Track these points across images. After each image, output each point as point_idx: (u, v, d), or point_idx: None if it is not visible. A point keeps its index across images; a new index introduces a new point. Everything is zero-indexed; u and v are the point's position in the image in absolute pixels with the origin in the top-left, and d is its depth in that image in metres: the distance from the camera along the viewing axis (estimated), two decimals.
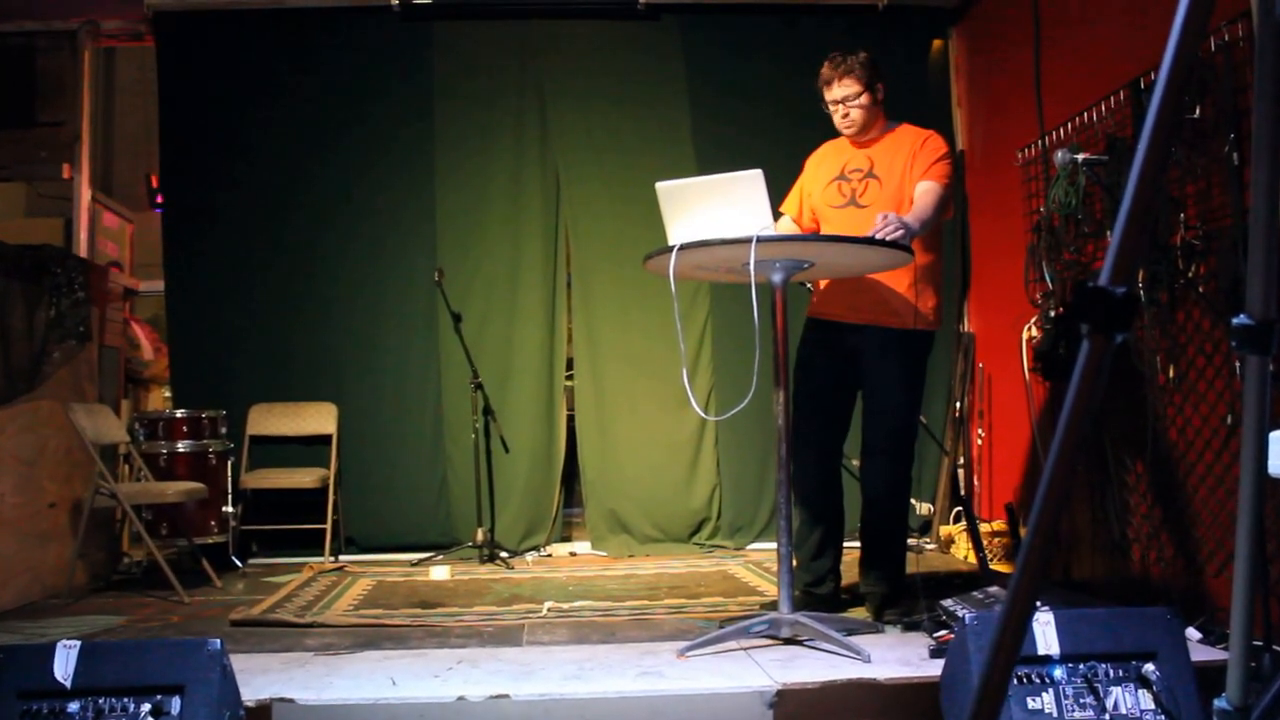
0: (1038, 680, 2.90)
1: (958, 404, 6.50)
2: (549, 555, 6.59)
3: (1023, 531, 5.31)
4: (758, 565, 5.91)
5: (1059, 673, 2.91)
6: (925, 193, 4.03)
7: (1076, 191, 4.48)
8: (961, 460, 6.56)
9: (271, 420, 6.41)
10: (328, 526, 6.20)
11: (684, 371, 4.02)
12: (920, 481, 6.43)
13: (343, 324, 6.55)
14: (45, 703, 2.65)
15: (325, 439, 6.38)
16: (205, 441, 5.83)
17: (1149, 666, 2.90)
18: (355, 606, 4.83)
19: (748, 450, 6.60)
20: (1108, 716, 2.85)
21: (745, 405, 3.78)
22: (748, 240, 3.46)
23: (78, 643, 2.70)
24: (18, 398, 4.98)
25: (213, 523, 5.71)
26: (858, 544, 4.45)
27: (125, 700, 2.67)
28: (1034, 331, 5.17)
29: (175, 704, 2.68)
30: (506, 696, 3.19)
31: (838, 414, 4.34)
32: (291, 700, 3.12)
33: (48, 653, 2.69)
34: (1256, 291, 1.39)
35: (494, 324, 6.62)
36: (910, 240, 3.75)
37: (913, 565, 4.71)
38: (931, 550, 6.44)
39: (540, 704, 3.20)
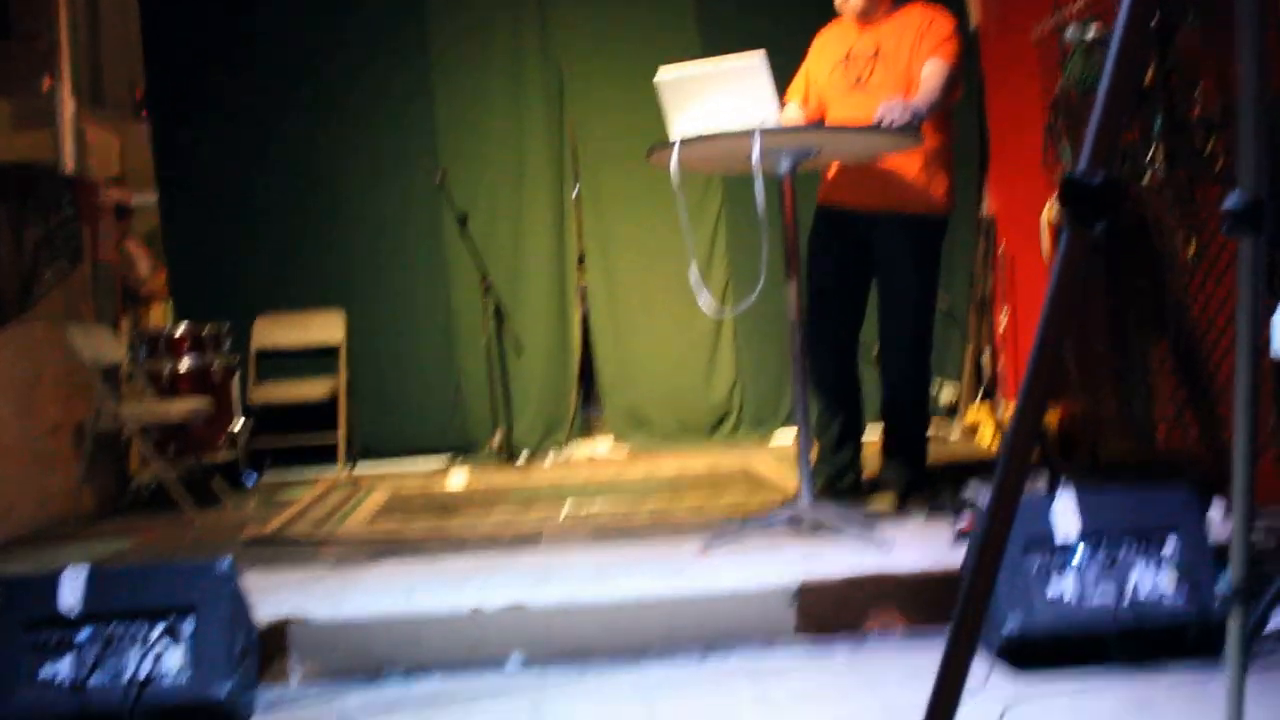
0: (1059, 565, 2.91)
1: (980, 287, 6.46)
2: (568, 455, 6.63)
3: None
4: (781, 459, 5.92)
5: (1078, 557, 2.91)
6: (932, 74, 3.95)
7: (1092, 67, 4.39)
8: (986, 346, 6.54)
9: (277, 331, 6.39)
10: (340, 438, 6.23)
11: (692, 267, 3.95)
12: (943, 367, 6.42)
13: (345, 229, 6.50)
14: (54, 632, 2.69)
15: (333, 349, 6.38)
16: (209, 357, 5.82)
17: (1168, 547, 2.90)
18: (371, 519, 4.87)
19: (768, 342, 6.57)
20: (1127, 599, 2.86)
21: (762, 296, 3.75)
22: (750, 133, 3.43)
23: (84, 569, 2.73)
24: (10, 322, 4.97)
25: (221, 440, 5.74)
26: (880, 433, 4.45)
27: (136, 625, 2.70)
28: (1054, 211, 5.11)
29: (187, 626, 2.71)
30: (523, 607, 3.22)
31: (852, 304, 4.31)
32: (306, 619, 3.16)
33: (53, 581, 2.73)
34: (1247, 168, 1.35)
35: (501, 225, 6.57)
36: (919, 123, 3.69)
37: (935, 452, 4.72)
38: (955, 436, 6.45)
39: (560, 610, 3.24)
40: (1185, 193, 4.02)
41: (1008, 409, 6.05)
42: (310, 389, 6.18)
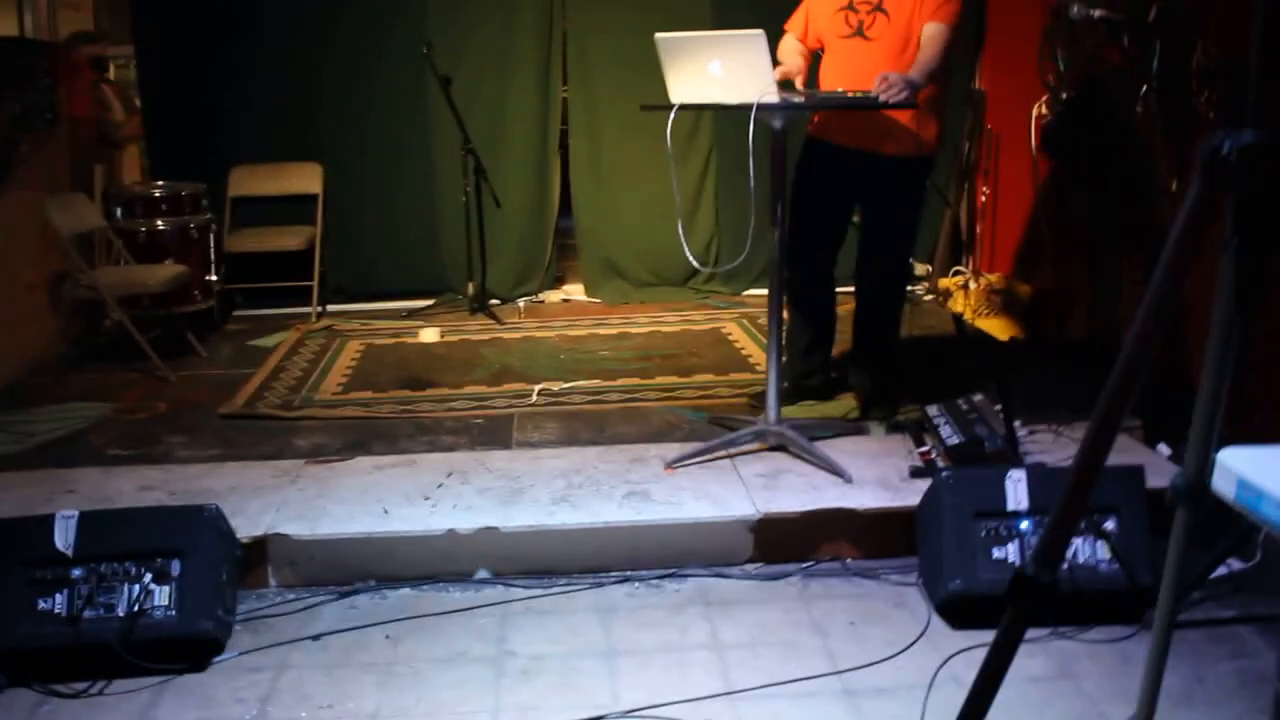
0: (1005, 533, 3.16)
1: (964, 157, 6.54)
2: (541, 301, 6.82)
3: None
4: (752, 321, 6.10)
5: (1025, 525, 3.17)
6: (931, 39, 3.96)
7: None
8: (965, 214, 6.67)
9: (254, 181, 6.41)
10: (314, 284, 6.34)
11: (679, 226, 4.05)
12: (921, 235, 6.54)
13: (328, 85, 6.47)
14: (50, 569, 2.89)
15: (310, 198, 6.40)
16: (185, 217, 5.84)
17: (1109, 522, 3.15)
18: (343, 385, 5.05)
19: (747, 203, 6.63)
20: (1067, 565, 3.12)
21: (745, 159, 3.80)
22: (747, 107, 3.55)
23: (74, 515, 2.91)
24: None
25: (196, 292, 5.80)
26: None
27: (127, 564, 2.91)
28: (1044, 110, 5.21)
29: (175, 567, 2.93)
30: (493, 530, 3.45)
31: (833, 227, 4.40)
32: (283, 536, 3.38)
33: (47, 524, 2.91)
34: (1193, 455, 1.49)
35: (486, 87, 6.57)
36: (915, 96, 3.73)
37: (908, 324, 4.91)
38: (929, 300, 6.62)
39: (529, 535, 3.46)
40: (1176, 133, 4.14)
41: (981, 279, 6.23)
42: (286, 239, 6.24)
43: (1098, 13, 4.40)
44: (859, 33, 4.13)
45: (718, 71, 3.59)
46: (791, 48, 4.26)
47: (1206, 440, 1.61)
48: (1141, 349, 1.46)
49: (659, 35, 3.68)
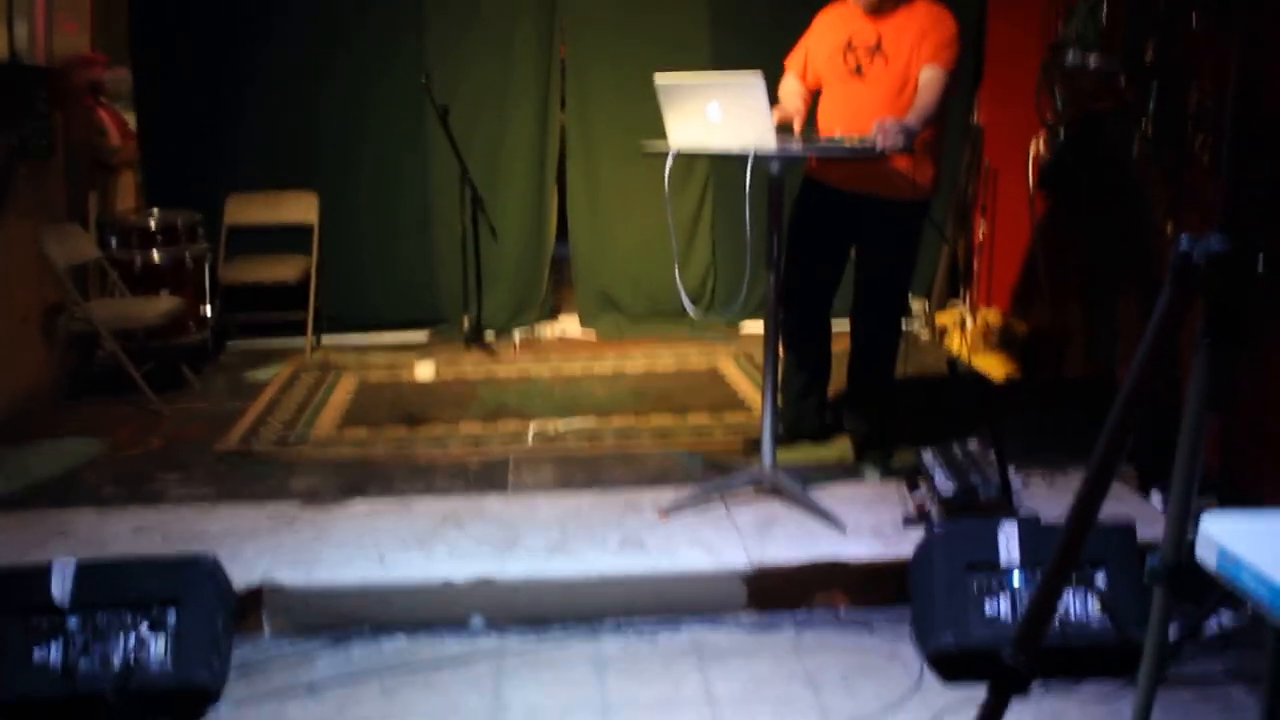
0: (997, 586, 3.21)
1: (962, 192, 6.61)
2: (537, 336, 6.87)
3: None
4: (749, 359, 6.14)
5: (1017, 580, 3.22)
6: (929, 83, 4.03)
7: (1095, 25, 4.49)
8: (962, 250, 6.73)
9: (250, 210, 6.44)
10: (309, 316, 6.38)
11: (675, 269, 4.11)
12: (919, 270, 6.60)
13: (326, 114, 6.52)
14: (45, 618, 2.93)
15: (306, 228, 6.44)
16: (181, 247, 5.87)
17: (1099, 577, 3.21)
18: (339, 423, 5.09)
19: (744, 234, 6.69)
20: (1058, 620, 3.17)
21: (742, 187, 3.83)
22: (745, 154, 3.61)
23: (72, 561, 2.96)
24: None
25: (191, 324, 5.86)
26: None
27: (123, 614, 2.95)
28: (1041, 146, 5.28)
29: (171, 617, 2.97)
30: (489, 581, 3.49)
31: (829, 267, 4.46)
32: (279, 585, 3.43)
33: (44, 573, 2.96)
34: (1170, 538, 1.55)
35: (484, 117, 6.62)
36: (911, 142, 3.79)
37: (904, 362, 4.95)
38: (925, 337, 6.68)
39: (524, 584, 3.51)
40: (1172, 175, 4.21)
41: (978, 314, 6.30)
42: (281, 270, 6.27)
43: (1093, 60, 4.47)
44: (857, 74, 4.20)
45: (716, 115, 3.65)
46: (792, 90, 4.32)
47: (1182, 523, 1.68)
48: (1116, 450, 1.51)
49: (658, 80, 3.74)
